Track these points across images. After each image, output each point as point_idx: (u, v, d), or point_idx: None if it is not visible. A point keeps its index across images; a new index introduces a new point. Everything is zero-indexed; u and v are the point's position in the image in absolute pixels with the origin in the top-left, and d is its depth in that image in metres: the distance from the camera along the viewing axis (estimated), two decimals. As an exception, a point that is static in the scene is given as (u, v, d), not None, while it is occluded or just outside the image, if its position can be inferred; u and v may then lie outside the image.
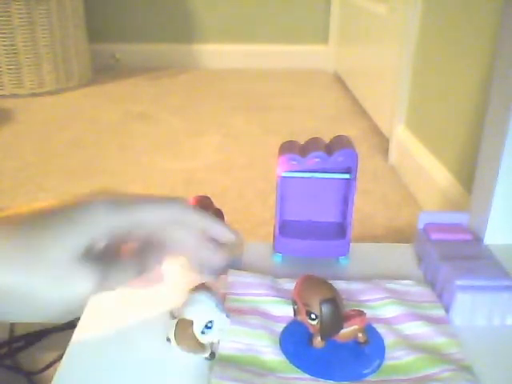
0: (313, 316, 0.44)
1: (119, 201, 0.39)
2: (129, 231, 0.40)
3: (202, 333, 0.43)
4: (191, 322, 0.43)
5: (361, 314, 0.45)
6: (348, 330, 0.45)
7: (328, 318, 0.43)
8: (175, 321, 0.45)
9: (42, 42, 2.08)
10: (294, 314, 0.46)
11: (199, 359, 0.45)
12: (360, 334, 0.45)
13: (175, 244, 0.43)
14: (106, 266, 0.38)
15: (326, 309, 0.43)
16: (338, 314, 0.43)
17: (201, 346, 0.44)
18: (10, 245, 0.36)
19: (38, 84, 2.12)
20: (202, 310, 0.44)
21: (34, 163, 1.46)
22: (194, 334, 0.43)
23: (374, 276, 0.57)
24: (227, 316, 0.44)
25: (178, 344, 0.44)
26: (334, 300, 0.43)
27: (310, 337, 0.46)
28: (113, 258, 0.39)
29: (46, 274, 0.36)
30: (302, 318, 0.45)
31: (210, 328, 0.43)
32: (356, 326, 0.45)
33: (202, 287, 0.46)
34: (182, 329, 0.44)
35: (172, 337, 0.45)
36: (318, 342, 0.45)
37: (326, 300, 0.43)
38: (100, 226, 0.37)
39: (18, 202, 1.20)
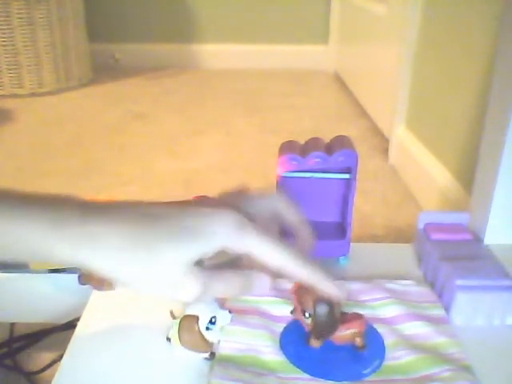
0: (307, 315, 0.44)
1: (244, 228, 0.38)
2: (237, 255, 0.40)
3: (207, 329, 0.44)
4: (197, 318, 0.43)
5: (360, 317, 0.45)
6: (346, 333, 0.45)
7: (321, 318, 0.43)
8: (175, 321, 0.45)
9: (42, 42, 2.08)
10: (291, 311, 0.46)
11: (199, 359, 0.45)
12: (358, 339, 0.45)
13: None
14: (209, 276, 0.38)
15: (319, 309, 0.43)
16: (332, 315, 0.43)
17: (205, 343, 0.44)
18: (128, 237, 0.36)
19: (37, 84, 2.11)
20: (205, 306, 0.44)
21: (33, 163, 1.46)
22: (199, 329, 0.43)
23: (374, 276, 0.57)
24: (230, 312, 0.44)
25: (183, 342, 0.44)
26: (328, 301, 0.43)
27: (308, 336, 0.46)
28: (214, 269, 0.39)
29: (155, 277, 0.36)
30: (298, 315, 0.45)
31: (213, 324, 0.44)
32: (355, 330, 0.45)
33: None
34: (188, 325, 0.44)
35: (173, 336, 0.45)
36: (313, 341, 0.45)
37: (320, 300, 0.43)
38: (215, 246, 0.37)
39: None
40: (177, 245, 0.36)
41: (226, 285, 0.39)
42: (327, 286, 0.41)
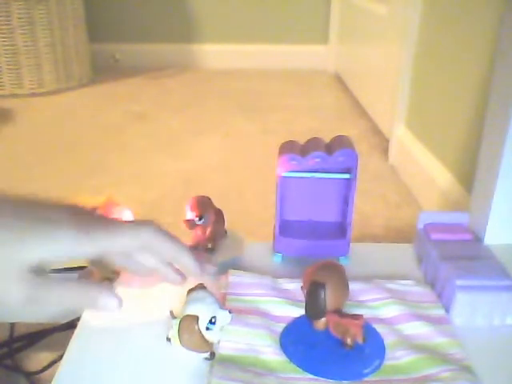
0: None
1: (87, 229, 0.38)
2: (100, 256, 0.39)
3: (207, 329, 0.43)
4: (197, 318, 0.43)
5: (357, 321, 0.45)
6: (339, 323, 0.46)
7: (309, 298, 0.46)
8: (175, 321, 0.45)
9: (42, 42, 2.08)
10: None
11: (199, 359, 0.45)
12: (349, 339, 0.45)
13: (137, 267, 0.44)
14: (44, 283, 0.36)
15: (310, 289, 0.46)
16: (319, 299, 0.46)
17: (205, 343, 0.44)
18: None
19: (37, 84, 2.11)
20: (205, 306, 0.44)
21: (33, 163, 1.46)
22: (199, 329, 0.43)
23: (374, 276, 0.57)
24: (229, 312, 0.44)
25: (183, 342, 0.44)
26: (322, 285, 0.45)
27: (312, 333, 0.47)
28: (56, 279, 0.38)
29: None
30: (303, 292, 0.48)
31: (213, 324, 0.44)
32: (350, 329, 0.45)
33: (200, 287, 0.46)
34: (188, 325, 0.44)
35: (174, 336, 0.45)
36: (314, 323, 0.48)
37: (314, 282, 0.46)
38: (58, 251, 0.36)
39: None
40: (13, 243, 0.35)
41: (63, 295, 0.37)
42: (185, 262, 0.43)
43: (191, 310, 0.44)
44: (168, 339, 0.46)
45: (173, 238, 0.42)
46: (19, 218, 0.37)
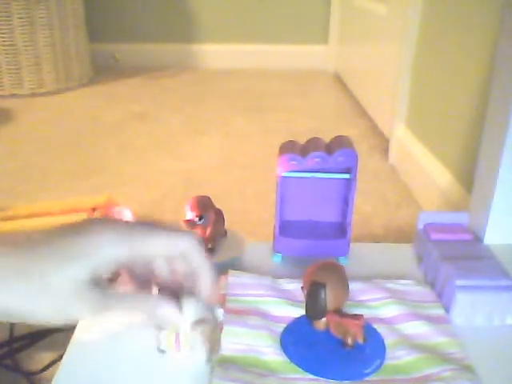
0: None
1: (125, 231, 0.38)
2: (133, 260, 0.39)
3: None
4: (202, 321, 0.43)
5: (358, 321, 0.45)
6: (340, 323, 0.46)
7: (309, 299, 0.46)
8: (166, 331, 0.44)
9: (42, 42, 2.08)
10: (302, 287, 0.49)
11: (200, 360, 0.45)
12: (349, 339, 0.45)
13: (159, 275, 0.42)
14: (106, 295, 0.37)
15: (310, 288, 0.46)
16: (319, 299, 0.46)
17: (216, 343, 0.44)
18: (11, 268, 0.35)
19: (37, 84, 2.11)
20: (200, 309, 0.43)
21: (33, 163, 1.46)
22: (208, 331, 0.43)
23: (374, 276, 0.57)
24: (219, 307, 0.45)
25: (210, 347, 0.44)
26: (322, 285, 0.45)
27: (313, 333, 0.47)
28: (113, 287, 0.38)
29: (46, 302, 0.35)
30: (303, 292, 0.48)
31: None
32: (350, 329, 0.45)
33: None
34: (205, 330, 0.43)
35: (170, 346, 0.44)
36: (315, 323, 0.48)
37: (314, 282, 0.46)
38: (104, 258, 0.37)
39: (18, 202, 1.20)
40: (57, 268, 0.35)
41: (128, 305, 0.38)
42: (205, 284, 0.41)
43: (194, 316, 0.43)
44: (161, 351, 0.45)
45: (207, 256, 0.41)
46: (50, 242, 0.37)
